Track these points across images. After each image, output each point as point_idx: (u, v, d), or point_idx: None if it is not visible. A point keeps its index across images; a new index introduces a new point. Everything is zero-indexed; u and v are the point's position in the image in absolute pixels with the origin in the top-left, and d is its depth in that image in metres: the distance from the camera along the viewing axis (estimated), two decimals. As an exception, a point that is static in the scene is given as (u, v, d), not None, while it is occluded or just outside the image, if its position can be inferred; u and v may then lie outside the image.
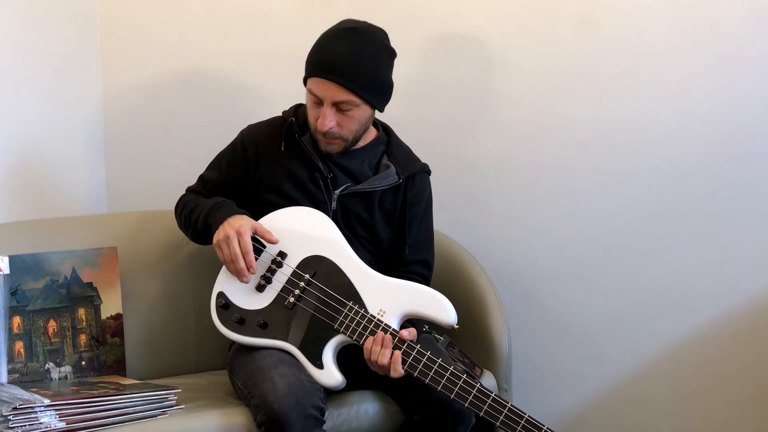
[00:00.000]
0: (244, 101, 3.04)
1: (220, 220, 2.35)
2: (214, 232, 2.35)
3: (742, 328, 2.80)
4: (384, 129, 2.55)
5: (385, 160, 2.49)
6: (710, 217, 2.79)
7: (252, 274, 2.32)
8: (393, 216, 2.48)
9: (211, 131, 2.99)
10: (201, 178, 2.56)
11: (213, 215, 2.38)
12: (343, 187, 2.44)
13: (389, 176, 2.45)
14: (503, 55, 2.89)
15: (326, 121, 2.33)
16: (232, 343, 2.42)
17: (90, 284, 2.51)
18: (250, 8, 3.02)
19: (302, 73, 2.39)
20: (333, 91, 2.31)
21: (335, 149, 2.41)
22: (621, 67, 2.81)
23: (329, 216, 2.40)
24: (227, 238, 2.30)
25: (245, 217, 2.36)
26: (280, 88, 2.91)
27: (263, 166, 2.46)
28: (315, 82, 2.34)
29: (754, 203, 2.76)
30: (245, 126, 2.55)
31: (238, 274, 2.31)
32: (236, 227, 2.31)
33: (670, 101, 2.79)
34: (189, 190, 2.57)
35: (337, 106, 2.33)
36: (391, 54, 2.41)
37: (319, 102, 2.35)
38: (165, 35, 3.07)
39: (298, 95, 2.50)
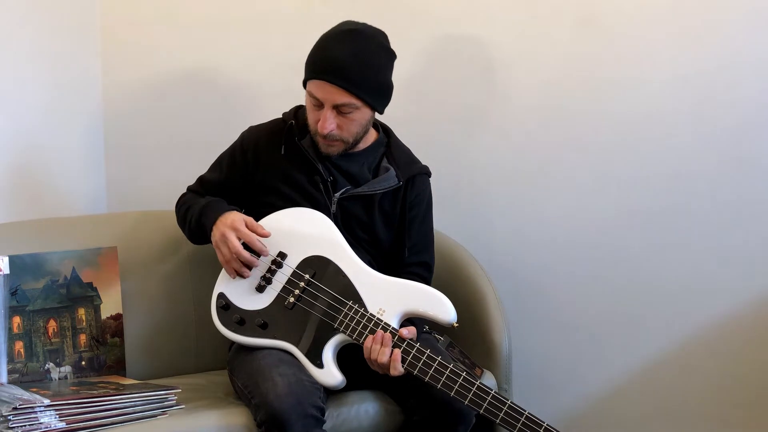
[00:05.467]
0: (244, 102, 3.04)
1: (213, 220, 2.37)
2: (210, 233, 2.37)
3: (743, 328, 2.80)
4: (384, 130, 2.55)
5: (384, 163, 2.48)
6: (711, 216, 2.79)
7: (255, 267, 2.33)
8: (393, 218, 2.47)
9: (211, 131, 3.00)
10: (200, 178, 2.57)
11: (205, 215, 2.40)
12: (343, 190, 2.43)
13: (389, 179, 2.45)
14: (503, 56, 2.90)
15: (326, 123, 2.33)
16: (232, 343, 2.42)
17: (90, 284, 2.51)
18: (249, 8, 3.02)
19: (302, 74, 2.38)
20: (333, 94, 2.31)
21: (335, 151, 2.40)
22: (622, 68, 2.81)
23: (330, 219, 2.39)
24: (224, 236, 2.33)
25: (236, 212, 2.38)
26: (280, 88, 2.91)
27: (263, 168, 2.46)
28: (315, 85, 2.33)
29: (754, 203, 2.75)
30: (245, 126, 2.55)
31: (240, 270, 2.33)
32: (229, 223, 2.33)
33: (671, 101, 2.79)
34: (189, 189, 2.58)
35: (338, 109, 2.32)
36: (391, 56, 2.40)
37: (319, 104, 2.34)
38: (165, 35, 3.07)
39: (298, 96, 2.50)
